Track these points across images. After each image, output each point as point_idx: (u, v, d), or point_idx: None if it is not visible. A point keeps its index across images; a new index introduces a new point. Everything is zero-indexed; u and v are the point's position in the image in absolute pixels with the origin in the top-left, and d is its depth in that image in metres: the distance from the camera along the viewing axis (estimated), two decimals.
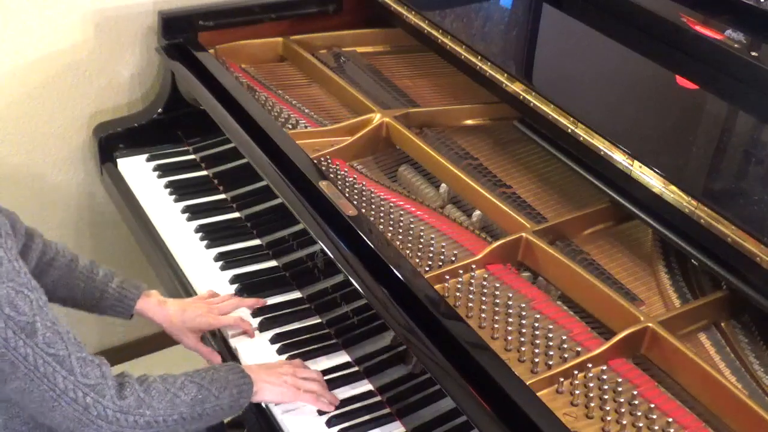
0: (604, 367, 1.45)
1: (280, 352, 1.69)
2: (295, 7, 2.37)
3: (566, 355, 1.47)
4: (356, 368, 1.66)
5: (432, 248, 1.69)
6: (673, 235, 1.58)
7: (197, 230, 2.00)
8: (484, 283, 1.60)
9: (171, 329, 1.70)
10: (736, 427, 1.37)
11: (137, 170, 2.21)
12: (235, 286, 1.84)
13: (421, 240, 1.71)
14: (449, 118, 2.08)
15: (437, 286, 1.55)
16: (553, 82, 1.93)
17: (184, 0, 2.28)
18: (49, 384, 1.24)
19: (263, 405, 1.59)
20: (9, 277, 1.21)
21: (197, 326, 1.70)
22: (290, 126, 2.02)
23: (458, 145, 1.99)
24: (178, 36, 2.23)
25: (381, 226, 1.74)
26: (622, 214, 1.75)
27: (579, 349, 1.48)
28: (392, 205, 1.80)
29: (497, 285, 1.60)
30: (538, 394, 1.36)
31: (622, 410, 1.39)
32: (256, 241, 1.97)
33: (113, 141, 2.27)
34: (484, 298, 1.58)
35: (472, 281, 1.61)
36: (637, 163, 1.57)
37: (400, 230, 1.73)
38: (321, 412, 1.56)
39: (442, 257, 1.66)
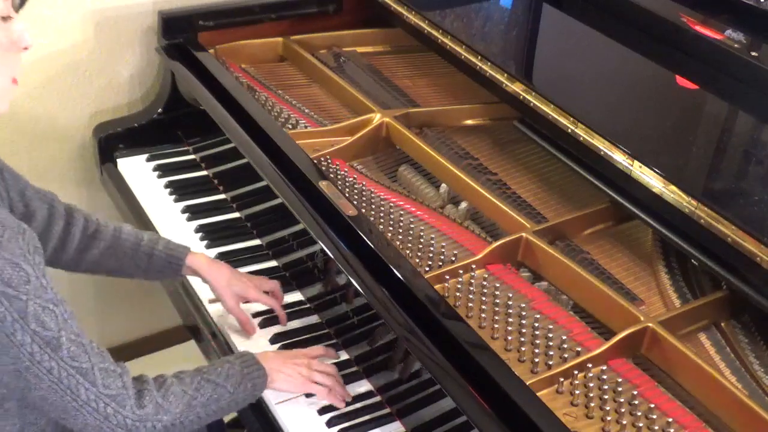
0: (604, 367, 1.45)
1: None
2: (295, 7, 2.37)
3: (566, 355, 1.47)
4: (356, 368, 1.66)
5: (432, 248, 1.69)
6: (673, 235, 1.58)
7: (197, 230, 2.00)
8: (484, 283, 1.60)
9: (217, 286, 1.70)
10: (736, 427, 1.37)
11: (137, 170, 2.21)
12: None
13: (421, 240, 1.71)
14: (449, 118, 2.08)
15: (437, 286, 1.55)
16: (553, 82, 1.93)
17: (184, 0, 2.28)
18: (72, 395, 1.25)
19: (263, 405, 1.59)
20: (36, 294, 1.21)
21: (241, 291, 1.70)
22: (290, 126, 2.02)
23: (458, 145, 1.99)
24: (178, 36, 2.23)
25: (381, 226, 1.74)
26: (622, 214, 1.75)
27: (579, 349, 1.48)
28: (392, 205, 1.80)
29: (497, 285, 1.60)
30: (538, 394, 1.36)
31: (622, 410, 1.39)
32: (256, 241, 1.97)
33: (113, 141, 2.27)
34: (484, 298, 1.58)
35: (472, 281, 1.61)
36: (637, 163, 1.57)
37: (400, 230, 1.73)
38: (321, 412, 1.56)
39: (442, 257, 1.66)
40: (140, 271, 1.68)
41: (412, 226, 1.74)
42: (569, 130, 1.69)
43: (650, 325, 1.47)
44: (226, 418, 1.87)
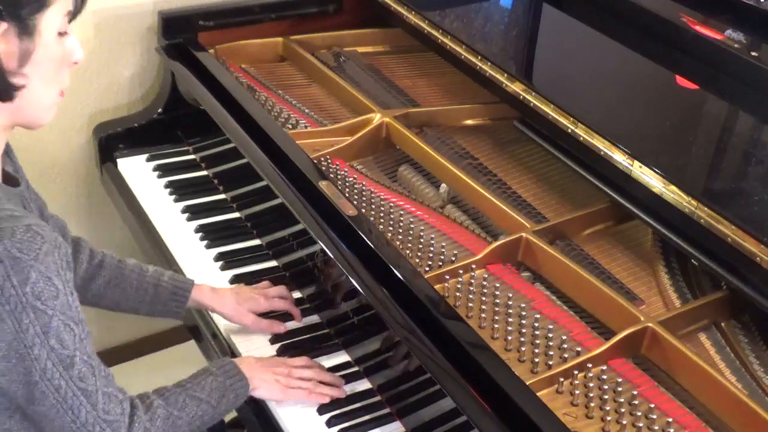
0: (604, 367, 1.45)
1: (280, 352, 1.69)
2: (295, 7, 2.37)
3: (566, 355, 1.47)
4: (356, 368, 1.66)
5: (432, 248, 1.69)
6: (673, 235, 1.58)
7: (197, 230, 2.00)
8: (484, 283, 1.60)
9: (229, 313, 1.70)
10: (736, 427, 1.37)
11: (137, 170, 2.21)
12: (235, 286, 1.84)
13: (421, 240, 1.71)
14: (449, 118, 2.08)
15: (437, 286, 1.55)
16: (553, 82, 1.93)
17: (184, 0, 2.28)
18: (72, 416, 1.25)
19: (263, 405, 1.59)
20: (62, 310, 1.22)
21: (252, 307, 1.71)
22: (290, 126, 2.02)
23: (458, 145, 1.99)
24: (178, 36, 2.23)
25: (381, 226, 1.74)
26: (622, 214, 1.75)
27: (579, 349, 1.48)
28: (392, 205, 1.80)
29: (497, 285, 1.60)
30: (538, 394, 1.36)
31: (622, 410, 1.39)
32: (256, 241, 1.97)
33: (113, 141, 2.27)
34: (484, 298, 1.58)
35: (472, 281, 1.61)
36: (637, 163, 1.57)
37: (400, 230, 1.73)
38: (321, 412, 1.56)
39: (442, 257, 1.66)
40: (144, 305, 1.68)
41: (412, 226, 1.74)
42: (569, 130, 1.69)
43: (650, 325, 1.47)
44: (226, 418, 1.87)
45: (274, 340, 1.72)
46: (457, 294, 1.57)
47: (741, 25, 1.85)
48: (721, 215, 1.43)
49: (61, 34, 1.25)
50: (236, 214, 2.05)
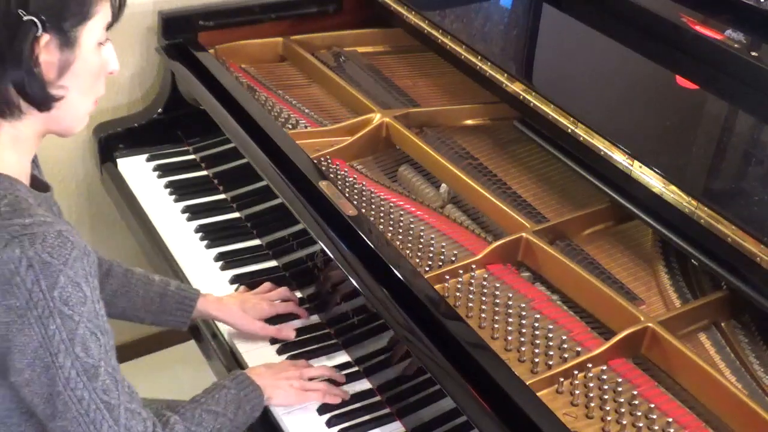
0: (604, 367, 1.45)
1: (280, 352, 1.69)
2: (295, 7, 2.37)
3: (566, 355, 1.47)
4: (356, 368, 1.66)
5: (432, 248, 1.69)
6: (673, 235, 1.58)
7: (197, 230, 2.00)
8: (484, 283, 1.60)
9: (236, 322, 1.70)
10: (736, 427, 1.37)
11: (137, 170, 2.21)
12: (235, 286, 1.84)
13: (421, 240, 1.71)
14: (449, 118, 2.08)
15: (437, 286, 1.55)
16: (553, 82, 1.94)
17: (184, 0, 2.28)
18: (94, 430, 1.24)
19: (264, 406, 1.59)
20: (89, 318, 1.21)
21: (257, 313, 1.70)
22: (290, 126, 2.02)
23: (458, 145, 1.99)
24: (178, 36, 2.23)
25: (381, 226, 1.74)
26: (622, 214, 1.75)
27: (579, 349, 1.48)
28: (392, 205, 1.80)
29: (497, 285, 1.60)
30: (538, 394, 1.36)
31: (622, 410, 1.39)
32: (256, 241, 1.97)
33: (113, 141, 2.27)
34: (484, 298, 1.58)
35: (472, 281, 1.61)
36: (637, 163, 1.57)
37: (400, 230, 1.73)
38: (321, 412, 1.56)
39: (442, 257, 1.66)
40: (150, 314, 1.67)
41: (412, 226, 1.74)
42: (569, 130, 1.69)
43: (650, 325, 1.47)
44: None
45: (274, 340, 1.71)
46: (457, 294, 1.57)
47: (741, 25, 1.85)
48: (721, 215, 1.43)
49: (101, 43, 1.26)
50: (236, 214, 2.05)
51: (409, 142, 1.95)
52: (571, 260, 1.62)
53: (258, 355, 1.67)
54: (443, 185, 1.87)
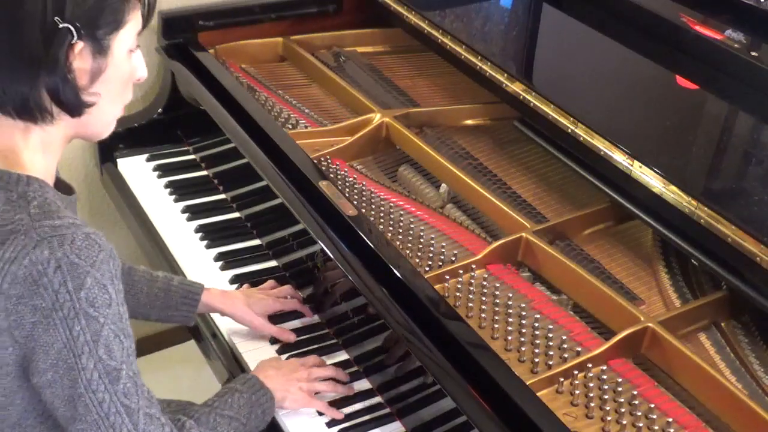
0: (604, 367, 1.45)
1: (280, 352, 1.69)
2: (295, 7, 2.37)
3: (566, 355, 1.47)
4: (356, 368, 1.66)
5: (432, 248, 1.69)
6: (673, 235, 1.58)
7: (197, 230, 2.00)
8: (484, 283, 1.60)
9: (240, 315, 1.70)
10: (736, 427, 1.37)
11: (137, 170, 2.21)
12: (235, 286, 1.84)
13: (421, 240, 1.71)
14: (449, 118, 2.08)
15: (437, 286, 1.55)
16: (553, 82, 1.94)
17: (184, 0, 2.28)
18: None
19: None
20: (113, 320, 1.22)
21: (262, 309, 1.71)
22: (290, 126, 2.02)
23: (458, 145, 1.99)
24: (178, 36, 2.23)
25: (381, 226, 1.74)
26: (622, 214, 1.75)
27: (579, 349, 1.48)
28: (392, 205, 1.80)
29: (497, 285, 1.60)
30: (538, 394, 1.36)
31: (622, 410, 1.39)
32: (256, 241, 1.97)
33: (113, 141, 2.27)
34: (484, 298, 1.58)
35: (472, 281, 1.61)
36: (637, 163, 1.57)
37: (400, 230, 1.73)
38: (321, 412, 1.56)
39: (442, 257, 1.66)
40: (155, 310, 1.67)
41: (412, 226, 1.74)
42: (569, 130, 1.69)
43: (650, 325, 1.47)
44: None
45: (274, 340, 1.72)
46: (457, 294, 1.57)
47: (741, 25, 1.85)
48: (721, 215, 1.43)
49: (131, 51, 1.28)
50: (236, 214, 2.05)
51: (409, 142, 1.95)
52: (571, 260, 1.62)
53: (258, 355, 1.67)
54: (443, 185, 1.87)
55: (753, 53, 1.77)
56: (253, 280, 1.85)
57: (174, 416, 1.37)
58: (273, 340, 1.71)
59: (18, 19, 1.16)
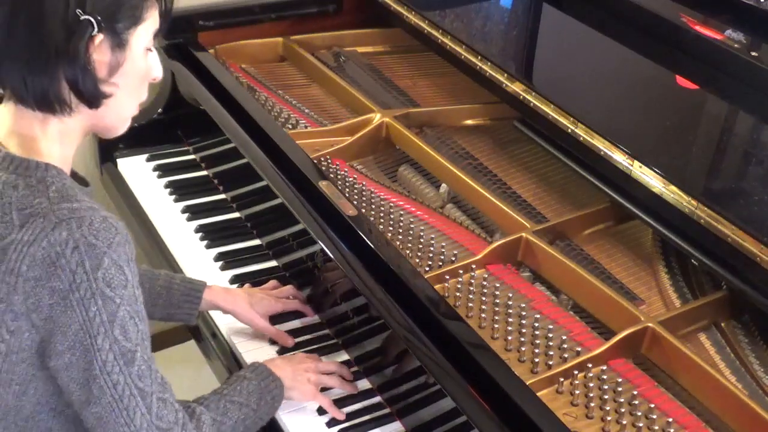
0: (604, 367, 1.45)
1: (280, 352, 1.69)
2: (295, 7, 2.37)
3: (566, 355, 1.47)
4: (356, 368, 1.66)
5: (432, 248, 1.69)
6: (673, 235, 1.58)
7: (197, 230, 2.00)
8: (484, 283, 1.60)
9: (242, 314, 1.70)
10: (736, 427, 1.37)
11: (137, 170, 2.21)
12: (235, 286, 1.84)
13: (421, 240, 1.71)
14: (449, 118, 2.08)
15: (437, 286, 1.55)
16: (553, 82, 1.94)
17: (184, 0, 2.28)
18: (127, 418, 1.25)
19: None
20: (129, 302, 1.23)
21: (264, 308, 1.71)
22: (290, 126, 2.02)
23: (458, 145, 1.99)
24: (178, 36, 2.23)
25: (381, 226, 1.74)
26: (622, 214, 1.75)
27: (579, 349, 1.48)
28: (392, 205, 1.80)
29: (497, 285, 1.60)
30: (538, 394, 1.36)
31: (622, 410, 1.39)
32: (256, 241, 1.97)
33: (113, 141, 2.26)
34: (484, 298, 1.58)
35: (472, 281, 1.61)
36: (637, 163, 1.57)
37: (400, 230, 1.73)
38: (321, 412, 1.56)
39: (442, 257, 1.66)
40: (158, 309, 1.68)
41: (412, 226, 1.74)
42: (569, 130, 1.69)
43: (650, 325, 1.47)
44: None
45: (274, 340, 1.71)
46: (457, 294, 1.57)
47: (741, 25, 1.85)
48: (721, 215, 1.43)
49: (148, 50, 1.31)
50: (236, 214, 2.05)
51: (409, 142, 1.95)
52: (571, 260, 1.62)
53: (258, 355, 1.67)
54: (443, 185, 1.87)
55: (753, 53, 1.77)
56: (254, 280, 1.85)
57: (184, 402, 1.38)
58: (273, 341, 1.71)
59: (41, 12, 1.19)
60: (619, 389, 1.42)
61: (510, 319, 1.54)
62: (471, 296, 1.58)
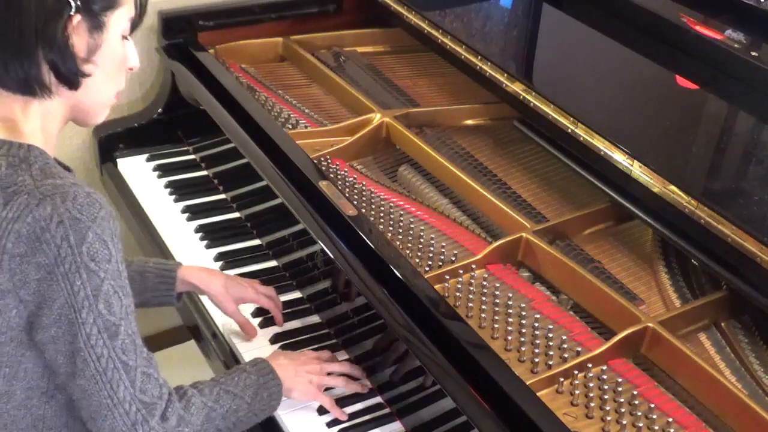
0: (604, 367, 1.45)
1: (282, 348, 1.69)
2: (295, 7, 2.37)
3: (566, 355, 1.47)
4: None
5: (432, 248, 1.69)
6: (673, 235, 1.58)
7: (197, 230, 2.00)
8: (484, 283, 1.60)
9: (216, 293, 1.70)
10: (736, 427, 1.37)
11: (137, 170, 2.21)
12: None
13: (421, 240, 1.71)
14: (449, 118, 2.08)
15: (437, 286, 1.55)
16: (553, 82, 1.94)
17: (184, 0, 2.28)
18: (110, 391, 1.26)
19: None
20: (113, 276, 1.25)
21: (238, 294, 1.71)
22: (290, 126, 2.02)
23: (458, 145, 1.99)
24: (178, 36, 2.23)
25: (381, 226, 1.74)
26: (622, 214, 1.75)
27: (579, 349, 1.48)
28: (392, 205, 1.80)
29: (497, 285, 1.60)
30: (538, 394, 1.36)
31: (622, 410, 1.39)
32: (256, 241, 1.97)
33: (113, 141, 2.27)
34: (484, 298, 1.58)
35: (472, 281, 1.61)
36: (637, 163, 1.57)
37: (400, 230, 1.73)
38: (321, 412, 1.56)
39: (442, 257, 1.67)
40: (135, 295, 1.66)
41: (412, 226, 1.74)
42: (569, 130, 1.69)
43: (650, 325, 1.47)
44: None
45: (274, 339, 1.72)
46: (457, 294, 1.57)
47: (741, 25, 1.85)
48: (721, 215, 1.43)
49: (124, 37, 1.33)
50: (236, 214, 2.05)
51: (409, 142, 1.95)
52: (571, 260, 1.62)
53: (258, 355, 1.66)
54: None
55: (753, 53, 1.77)
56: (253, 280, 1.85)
57: (177, 386, 1.39)
58: (273, 340, 1.71)
59: None
60: (619, 389, 1.42)
61: (510, 319, 1.54)
62: (471, 296, 1.58)
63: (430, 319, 1.46)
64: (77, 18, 1.23)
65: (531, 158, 1.95)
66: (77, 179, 1.29)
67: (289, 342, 1.71)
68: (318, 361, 1.59)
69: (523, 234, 1.67)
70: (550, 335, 1.51)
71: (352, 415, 1.56)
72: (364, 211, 1.74)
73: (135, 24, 1.35)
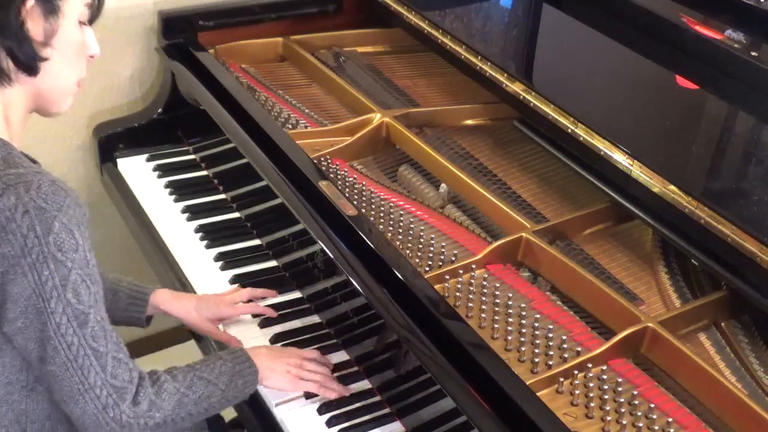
0: (604, 367, 1.45)
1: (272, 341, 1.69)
2: (295, 7, 2.37)
3: (566, 355, 1.47)
4: (356, 368, 1.66)
5: (432, 248, 1.69)
6: (673, 235, 1.58)
7: (197, 230, 2.00)
8: (484, 283, 1.60)
9: (187, 317, 1.71)
10: (736, 427, 1.37)
11: (137, 170, 2.21)
12: (235, 286, 1.84)
13: (421, 240, 1.71)
14: (449, 118, 2.08)
15: (437, 286, 1.55)
16: (553, 82, 1.94)
17: (184, 0, 2.28)
18: (81, 377, 1.27)
19: (264, 405, 1.59)
20: (80, 265, 1.25)
21: (214, 315, 1.71)
22: (290, 126, 2.02)
23: (458, 145, 1.99)
24: (178, 36, 2.23)
25: (381, 226, 1.74)
26: (622, 214, 1.75)
27: (579, 349, 1.48)
28: (392, 205, 1.80)
29: (497, 285, 1.60)
30: (538, 394, 1.36)
31: (622, 410, 1.39)
32: (256, 241, 1.97)
33: (113, 141, 2.27)
34: (484, 298, 1.58)
35: (472, 281, 1.61)
36: (637, 163, 1.57)
37: (400, 230, 1.73)
38: (321, 412, 1.56)
39: (442, 257, 1.66)
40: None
41: (412, 226, 1.74)
42: (569, 130, 1.69)
43: (650, 325, 1.47)
44: (227, 418, 1.87)
45: (274, 339, 1.72)
46: (457, 294, 1.57)
47: (741, 25, 1.85)
48: (721, 215, 1.44)
49: (81, 23, 1.33)
50: (236, 214, 2.05)
51: (409, 142, 1.95)
52: (571, 260, 1.62)
53: None
54: (443, 185, 1.87)
55: (753, 53, 1.77)
56: (253, 280, 1.85)
57: (152, 370, 1.39)
58: (273, 340, 1.71)
59: None
60: (619, 389, 1.42)
61: (510, 319, 1.54)
62: (471, 296, 1.58)
63: (430, 319, 1.46)
64: (30, 2, 1.24)
65: (531, 158, 1.95)
66: (41, 168, 1.28)
67: (289, 342, 1.70)
68: (299, 357, 1.59)
69: (523, 234, 1.67)
70: (550, 335, 1.51)
71: (352, 415, 1.56)
72: (364, 211, 1.74)
73: (94, 12, 1.35)
